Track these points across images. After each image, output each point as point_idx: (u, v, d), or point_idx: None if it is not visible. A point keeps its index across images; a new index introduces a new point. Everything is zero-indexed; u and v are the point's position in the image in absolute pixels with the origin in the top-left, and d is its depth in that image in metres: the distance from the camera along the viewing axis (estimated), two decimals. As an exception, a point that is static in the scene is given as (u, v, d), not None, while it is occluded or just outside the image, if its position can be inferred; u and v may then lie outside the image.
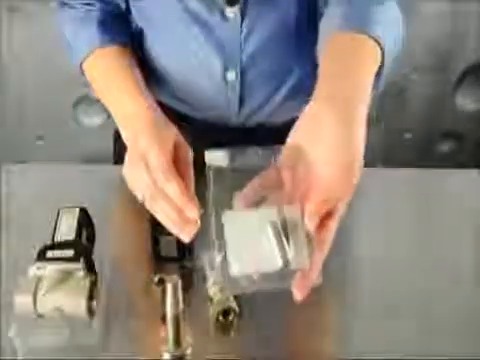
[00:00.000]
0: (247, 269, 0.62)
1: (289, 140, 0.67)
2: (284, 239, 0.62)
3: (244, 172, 0.65)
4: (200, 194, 0.70)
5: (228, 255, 0.62)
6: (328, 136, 0.64)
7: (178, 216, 0.69)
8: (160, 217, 0.71)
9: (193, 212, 0.68)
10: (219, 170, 0.65)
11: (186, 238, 0.70)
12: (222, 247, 0.62)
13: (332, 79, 0.69)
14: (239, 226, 0.63)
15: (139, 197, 0.72)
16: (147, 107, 0.81)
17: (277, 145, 0.66)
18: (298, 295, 0.63)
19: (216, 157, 0.65)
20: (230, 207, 0.64)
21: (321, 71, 0.72)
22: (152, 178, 0.70)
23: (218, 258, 0.62)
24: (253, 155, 0.66)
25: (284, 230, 0.63)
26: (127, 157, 0.75)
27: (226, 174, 0.65)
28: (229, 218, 0.63)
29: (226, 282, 0.62)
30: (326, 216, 0.63)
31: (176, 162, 0.72)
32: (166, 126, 0.78)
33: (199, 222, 0.69)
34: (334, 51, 0.74)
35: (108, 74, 0.90)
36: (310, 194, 0.63)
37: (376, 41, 0.73)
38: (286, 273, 0.62)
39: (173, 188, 0.69)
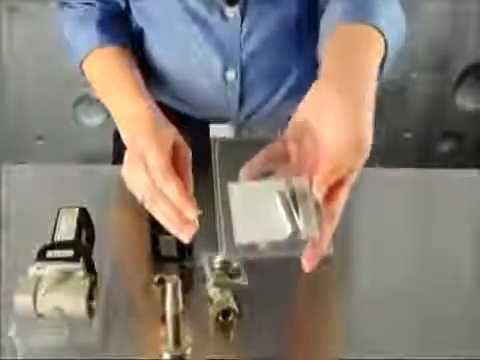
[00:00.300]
0: (254, 237, 0.60)
1: (295, 115, 0.66)
2: (293, 208, 0.61)
3: (249, 145, 0.63)
4: (200, 191, 0.70)
5: (234, 223, 0.60)
6: (335, 112, 0.63)
7: (177, 216, 0.69)
8: (159, 217, 0.71)
9: (192, 213, 0.68)
10: (224, 142, 0.64)
11: (185, 239, 0.70)
12: (227, 217, 0.60)
13: (336, 68, 0.68)
14: (246, 196, 0.61)
15: (138, 197, 0.72)
16: (146, 108, 0.81)
17: None
18: (307, 266, 0.62)
19: (221, 130, 0.64)
20: (235, 179, 0.62)
21: (324, 62, 0.70)
22: (151, 178, 0.70)
23: (223, 226, 0.60)
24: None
25: (293, 200, 0.61)
26: (126, 157, 0.75)
27: (231, 146, 0.64)
28: (235, 189, 0.62)
29: (230, 249, 0.60)
30: (335, 186, 0.62)
31: (175, 162, 0.72)
32: (165, 126, 0.77)
33: (197, 223, 0.69)
34: (337, 43, 0.72)
35: (107, 74, 0.90)
36: (318, 165, 0.62)
37: (380, 32, 0.72)
38: (295, 242, 0.61)
39: (172, 188, 0.69)
